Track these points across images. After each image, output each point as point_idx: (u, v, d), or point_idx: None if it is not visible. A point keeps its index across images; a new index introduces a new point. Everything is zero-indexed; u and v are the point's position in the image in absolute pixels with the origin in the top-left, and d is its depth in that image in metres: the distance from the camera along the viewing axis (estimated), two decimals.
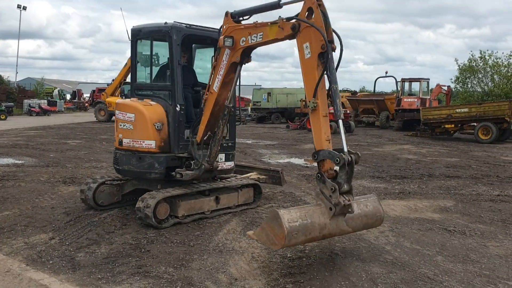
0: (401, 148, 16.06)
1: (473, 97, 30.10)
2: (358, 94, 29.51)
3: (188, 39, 6.56)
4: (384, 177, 10.05)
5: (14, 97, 41.56)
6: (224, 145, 6.47)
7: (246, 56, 5.63)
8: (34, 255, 4.89)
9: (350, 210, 4.38)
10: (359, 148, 15.81)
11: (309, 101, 4.64)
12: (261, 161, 12.30)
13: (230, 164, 6.76)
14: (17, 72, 52.46)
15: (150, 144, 6.17)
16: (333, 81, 4.59)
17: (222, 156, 6.50)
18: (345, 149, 4.37)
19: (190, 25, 6.52)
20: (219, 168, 6.39)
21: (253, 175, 7.55)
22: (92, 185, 6.57)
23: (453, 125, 19.00)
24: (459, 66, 31.79)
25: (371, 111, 25.93)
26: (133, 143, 6.31)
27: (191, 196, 6.25)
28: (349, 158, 4.32)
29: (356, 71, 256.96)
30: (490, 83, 30.47)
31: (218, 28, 5.90)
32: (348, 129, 22.13)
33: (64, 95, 55.11)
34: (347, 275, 4.50)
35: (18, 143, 15.34)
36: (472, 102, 25.59)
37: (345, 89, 30.72)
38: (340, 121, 4.48)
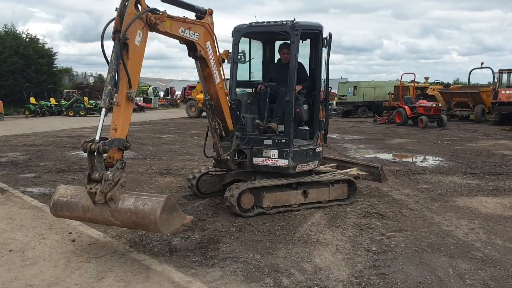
0: (497, 143, 15.15)
1: None
2: (451, 86, 28.09)
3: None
4: (477, 173, 9.61)
5: None
6: (277, 141, 6.50)
7: (190, 50, 5.80)
8: (136, 239, 5.39)
9: (94, 199, 4.40)
10: (451, 143, 15.16)
11: (130, 90, 4.70)
12: (346, 155, 12.26)
13: (284, 162, 6.42)
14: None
15: None
16: (109, 70, 4.57)
17: (275, 152, 6.49)
18: (97, 138, 4.42)
19: (256, 22, 6.90)
20: (273, 164, 6.49)
21: (353, 170, 7.53)
22: (196, 174, 7.29)
23: None
24: None
25: (465, 105, 24.57)
26: None
27: (277, 189, 6.48)
28: (91, 147, 4.37)
29: (450, 62, 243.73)
30: None
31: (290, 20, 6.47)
32: (440, 123, 21.24)
33: (158, 92, 58.16)
34: (433, 269, 4.48)
35: None
36: None
37: (437, 81, 29.42)
38: (103, 110, 4.50)
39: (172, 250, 5.03)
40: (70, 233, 5.55)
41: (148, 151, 13.09)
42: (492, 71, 23.91)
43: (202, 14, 5.79)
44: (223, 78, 6.31)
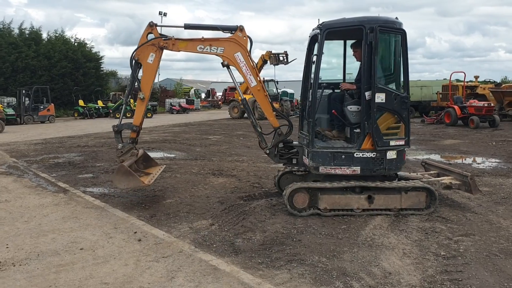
0: None
1: None
2: (503, 85, 26.99)
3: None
4: None
5: (157, 97, 45.54)
6: (306, 140, 6.58)
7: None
8: (200, 239, 5.45)
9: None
10: (507, 144, 14.59)
11: (140, 93, 6.99)
12: None
13: (307, 161, 6.51)
14: (159, 74, 57.11)
15: None
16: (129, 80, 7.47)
17: (306, 151, 6.60)
18: (118, 123, 7.19)
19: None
20: (306, 163, 6.62)
21: (446, 179, 6.99)
22: (279, 172, 7.65)
23: None
24: None
25: None
26: None
27: (336, 191, 6.39)
28: (116, 128, 7.20)
29: (497, 60, 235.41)
30: None
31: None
32: (492, 124, 20.51)
33: (200, 94, 58.93)
34: (510, 276, 4.31)
35: (167, 139, 16.89)
36: None
37: (488, 80, 28.37)
38: (123, 106, 7.49)
39: (236, 251, 5.06)
40: (135, 232, 5.67)
41: (197, 152, 13.25)
42: None
43: (232, 30, 6.82)
44: (260, 81, 6.91)
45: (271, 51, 28.90)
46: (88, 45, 41.06)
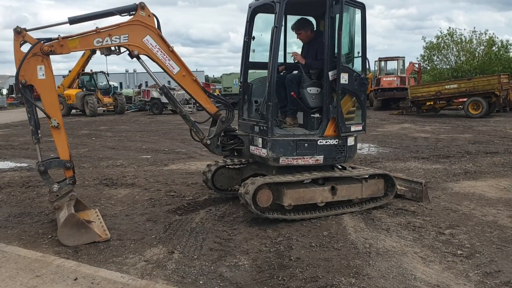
0: (403, 127, 16.04)
1: (443, 74, 30.96)
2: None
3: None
4: (427, 158, 9.82)
5: None
6: (261, 128, 5.67)
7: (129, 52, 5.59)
8: (174, 275, 4.08)
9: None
10: None
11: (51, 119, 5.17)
12: None
13: (264, 152, 5.60)
14: None
15: None
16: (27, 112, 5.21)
17: (260, 140, 5.72)
18: (39, 159, 5.27)
19: None
20: (259, 154, 5.72)
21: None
22: (212, 167, 6.52)
23: (433, 102, 19.32)
24: (426, 43, 32.78)
25: None
26: None
27: (300, 185, 5.62)
28: (42, 168, 5.19)
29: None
30: (456, 59, 31.48)
31: None
32: None
33: (1, 90, 51.60)
34: None
35: None
36: (448, 79, 26.21)
37: None
38: (36, 146, 5.30)
39: (239, 285, 3.87)
40: (76, 279, 3.98)
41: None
42: (368, 60, 25.43)
43: (131, 11, 5.45)
44: (184, 65, 5.71)
45: None
46: None
